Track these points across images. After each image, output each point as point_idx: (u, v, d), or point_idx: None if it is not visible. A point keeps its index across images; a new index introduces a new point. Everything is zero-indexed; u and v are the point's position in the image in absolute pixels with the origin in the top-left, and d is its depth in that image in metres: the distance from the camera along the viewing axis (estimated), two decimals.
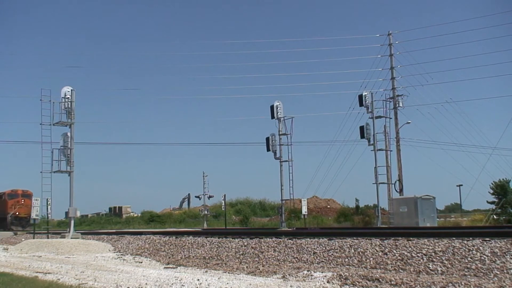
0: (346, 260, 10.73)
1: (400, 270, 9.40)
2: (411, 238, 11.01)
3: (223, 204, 43.91)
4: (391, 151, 34.23)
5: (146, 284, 8.78)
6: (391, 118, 33.81)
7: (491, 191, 36.78)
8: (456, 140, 78.46)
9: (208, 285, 8.52)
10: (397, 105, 38.53)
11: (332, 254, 11.27)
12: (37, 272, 11.40)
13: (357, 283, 8.27)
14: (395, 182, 36.96)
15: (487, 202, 37.61)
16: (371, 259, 10.34)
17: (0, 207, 42.73)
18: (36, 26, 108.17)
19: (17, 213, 40.87)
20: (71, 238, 20.60)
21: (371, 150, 30.44)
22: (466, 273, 8.48)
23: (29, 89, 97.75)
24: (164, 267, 12.19)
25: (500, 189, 35.74)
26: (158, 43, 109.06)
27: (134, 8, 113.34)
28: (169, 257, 14.49)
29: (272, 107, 29.87)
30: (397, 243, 10.68)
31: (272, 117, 29.83)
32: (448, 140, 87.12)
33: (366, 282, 8.26)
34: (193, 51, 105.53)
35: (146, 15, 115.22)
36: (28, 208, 38.84)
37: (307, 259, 11.46)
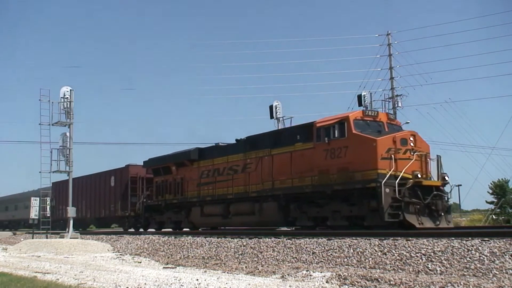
0: (345, 260, 10.72)
1: (399, 270, 9.40)
2: (410, 238, 11.00)
3: None
4: None
5: (145, 284, 8.78)
6: None
7: (490, 191, 36.88)
8: (455, 140, 78.84)
9: (207, 285, 8.52)
10: (396, 105, 38.48)
11: (331, 254, 11.25)
12: (36, 272, 11.39)
13: (356, 283, 8.28)
14: None
15: (486, 202, 37.74)
16: (370, 259, 10.33)
17: (317, 159, 15.74)
18: (36, 26, 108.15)
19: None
20: (70, 238, 20.59)
21: None
22: (465, 273, 8.48)
23: (29, 89, 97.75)
24: (163, 267, 12.18)
25: (499, 189, 35.86)
26: (157, 43, 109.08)
27: (134, 8, 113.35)
28: (168, 257, 14.49)
29: (271, 107, 29.84)
30: (396, 243, 10.67)
31: (271, 117, 29.76)
32: (447, 140, 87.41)
33: (365, 282, 8.26)
34: (193, 51, 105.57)
35: (146, 15, 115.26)
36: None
37: (306, 259, 11.45)
